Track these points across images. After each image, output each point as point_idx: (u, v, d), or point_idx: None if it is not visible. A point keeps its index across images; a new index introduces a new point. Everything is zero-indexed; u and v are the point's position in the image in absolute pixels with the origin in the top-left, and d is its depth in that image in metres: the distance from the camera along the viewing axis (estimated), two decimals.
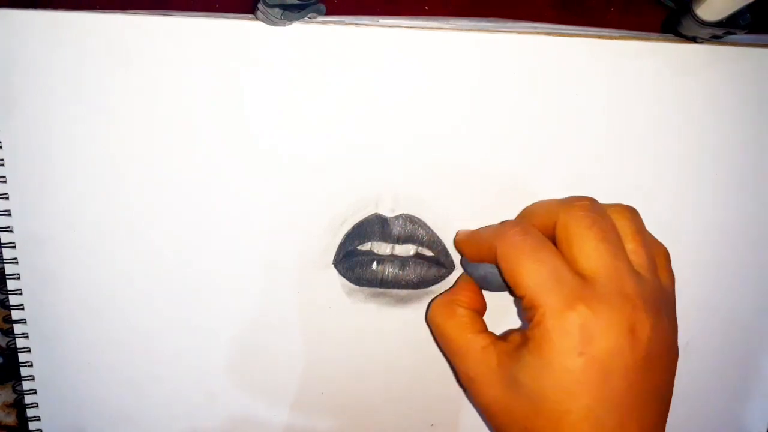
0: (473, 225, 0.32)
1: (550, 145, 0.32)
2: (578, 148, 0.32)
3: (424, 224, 0.33)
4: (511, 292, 0.27)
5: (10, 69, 0.30)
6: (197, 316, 0.34)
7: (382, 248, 0.33)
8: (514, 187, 0.32)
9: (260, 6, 0.28)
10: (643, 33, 0.32)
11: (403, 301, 0.34)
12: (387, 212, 0.32)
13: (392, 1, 0.32)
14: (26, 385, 0.34)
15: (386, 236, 0.32)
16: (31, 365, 0.34)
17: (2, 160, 0.31)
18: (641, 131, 0.32)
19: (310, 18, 0.30)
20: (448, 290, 0.32)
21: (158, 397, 0.35)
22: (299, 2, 0.28)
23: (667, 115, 0.32)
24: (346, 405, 0.35)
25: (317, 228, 0.33)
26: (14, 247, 0.32)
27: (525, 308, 0.25)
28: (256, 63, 0.30)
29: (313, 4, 0.29)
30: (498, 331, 0.29)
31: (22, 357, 0.34)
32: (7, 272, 0.33)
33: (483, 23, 0.32)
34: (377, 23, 0.31)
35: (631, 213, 0.27)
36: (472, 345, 0.28)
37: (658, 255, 0.28)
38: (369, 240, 0.33)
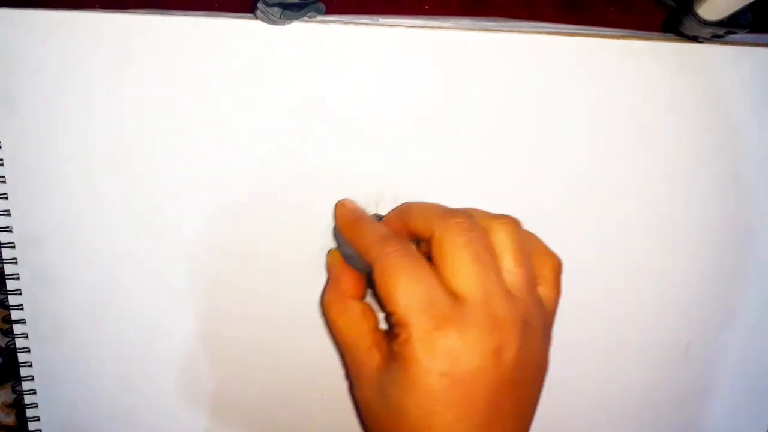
0: None
1: (551, 145, 0.32)
2: (579, 147, 0.32)
3: None
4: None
5: (10, 69, 0.30)
6: (197, 316, 0.34)
7: None
8: (515, 187, 0.32)
9: (260, 5, 0.28)
10: (644, 32, 0.32)
11: None
12: (387, 212, 0.32)
13: (392, 0, 0.32)
14: (26, 385, 0.34)
15: None
16: (31, 365, 0.34)
17: (2, 160, 0.31)
18: (642, 130, 0.32)
19: (309, 17, 0.30)
20: (333, 277, 0.31)
21: (157, 397, 0.35)
22: (299, 1, 0.28)
23: (667, 114, 0.32)
24: (346, 405, 0.35)
25: (317, 228, 0.33)
26: (14, 247, 0.32)
27: (394, 324, 0.25)
28: (256, 62, 0.30)
29: (313, 3, 0.29)
30: None
31: (21, 357, 0.34)
32: (6, 272, 0.32)
33: (483, 23, 0.32)
34: (377, 23, 0.31)
35: (513, 227, 0.27)
36: (359, 343, 0.28)
37: (544, 268, 0.28)
38: None
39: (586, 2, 0.33)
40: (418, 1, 0.33)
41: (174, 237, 0.32)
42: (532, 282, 0.27)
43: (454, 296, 0.25)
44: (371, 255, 0.27)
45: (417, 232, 0.27)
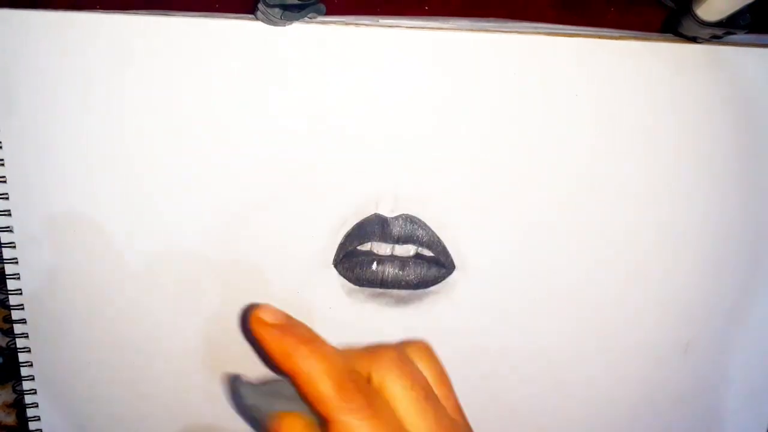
0: (473, 225, 0.32)
1: (550, 145, 0.32)
2: (578, 147, 0.32)
3: (424, 224, 0.33)
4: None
5: (10, 69, 0.30)
6: (197, 316, 0.34)
7: (382, 248, 0.33)
8: (514, 187, 0.32)
9: (260, 6, 0.28)
10: (643, 33, 0.32)
11: (403, 301, 0.34)
12: (387, 212, 0.32)
13: (392, 1, 0.32)
14: (26, 385, 0.34)
15: (386, 236, 0.32)
16: (31, 365, 0.34)
17: (2, 160, 0.31)
18: (641, 131, 0.32)
19: (310, 18, 0.30)
20: None
21: (158, 397, 0.35)
22: (299, 2, 0.28)
23: (667, 114, 0.32)
24: None
25: (317, 228, 0.33)
26: (14, 247, 0.32)
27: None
28: (256, 63, 0.30)
29: (313, 4, 0.29)
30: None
31: (22, 357, 0.34)
32: (7, 272, 0.33)
33: (483, 23, 0.32)
34: (377, 23, 0.31)
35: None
36: None
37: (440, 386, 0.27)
38: (369, 240, 0.33)
39: (585, 3, 0.33)
40: (418, 1, 0.33)
41: (174, 237, 0.32)
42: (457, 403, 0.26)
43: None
44: (327, 409, 0.22)
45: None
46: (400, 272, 0.33)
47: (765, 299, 0.35)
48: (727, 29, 0.29)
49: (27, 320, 0.33)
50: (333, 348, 0.25)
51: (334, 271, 0.33)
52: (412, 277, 0.33)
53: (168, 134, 0.31)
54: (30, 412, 0.35)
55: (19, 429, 0.36)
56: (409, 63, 0.31)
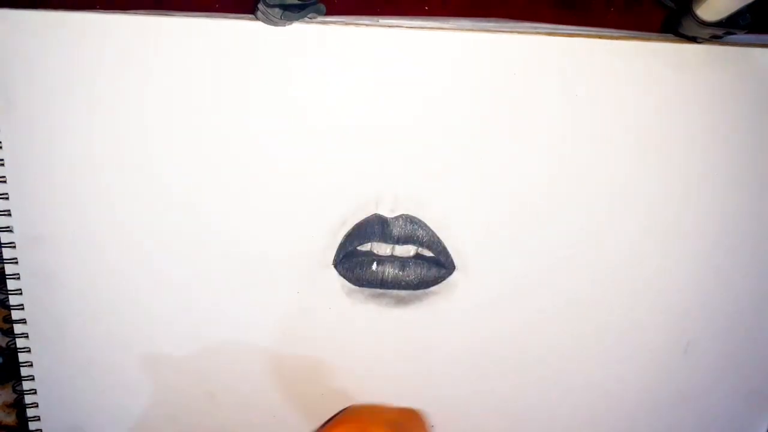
0: (473, 225, 0.32)
1: (550, 145, 0.32)
2: (578, 147, 0.32)
3: (424, 225, 0.33)
4: None
5: (10, 69, 0.30)
6: (196, 316, 0.34)
7: (382, 249, 0.33)
8: (515, 187, 0.32)
9: (260, 6, 0.28)
10: (643, 33, 0.32)
11: (403, 301, 0.34)
12: (387, 212, 0.32)
13: (392, 1, 0.32)
14: (26, 385, 0.34)
15: (386, 237, 0.32)
16: (31, 365, 0.34)
17: (2, 160, 0.31)
18: (641, 130, 0.32)
19: (310, 18, 0.30)
20: None
21: (157, 397, 0.35)
22: (299, 2, 0.28)
23: (667, 114, 0.32)
24: (346, 405, 0.35)
25: (317, 228, 0.33)
26: (14, 247, 0.32)
27: None
28: (256, 63, 0.30)
29: (313, 4, 0.29)
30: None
31: (22, 357, 0.34)
32: (7, 272, 0.33)
33: (483, 23, 0.32)
34: (377, 23, 0.31)
35: None
36: None
37: None
38: (369, 240, 0.33)
39: (585, 3, 0.33)
40: (418, 2, 0.33)
41: (174, 237, 0.32)
42: None
43: None
44: None
45: None
46: (400, 272, 0.33)
47: (765, 299, 0.35)
48: (727, 29, 0.29)
49: (27, 320, 0.33)
50: None
51: (334, 272, 0.33)
52: (412, 277, 0.33)
53: (168, 134, 0.31)
54: (30, 412, 0.35)
55: (19, 429, 0.36)
56: (409, 63, 0.31)
